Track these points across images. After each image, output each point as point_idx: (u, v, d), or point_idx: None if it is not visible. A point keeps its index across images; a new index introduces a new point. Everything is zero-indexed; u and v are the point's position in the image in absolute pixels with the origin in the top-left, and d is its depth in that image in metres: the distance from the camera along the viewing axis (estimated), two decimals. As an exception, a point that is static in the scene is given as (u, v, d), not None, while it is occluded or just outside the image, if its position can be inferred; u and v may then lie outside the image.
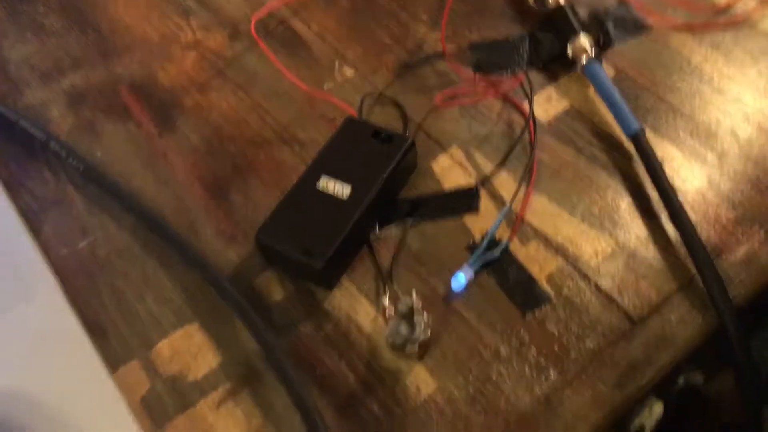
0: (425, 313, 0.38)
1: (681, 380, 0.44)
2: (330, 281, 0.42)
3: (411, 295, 0.38)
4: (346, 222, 0.41)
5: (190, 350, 0.41)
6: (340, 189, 0.42)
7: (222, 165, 0.49)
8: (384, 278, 0.41)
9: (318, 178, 0.43)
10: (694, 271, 0.40)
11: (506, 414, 0.36)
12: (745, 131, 0.47)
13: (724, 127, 0.47)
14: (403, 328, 0.37)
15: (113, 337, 0.42)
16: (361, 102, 0.50)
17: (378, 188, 0.42)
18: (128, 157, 0.50)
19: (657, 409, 0.46)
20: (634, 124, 0.44)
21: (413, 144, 0.45)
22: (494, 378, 0.38)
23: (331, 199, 0.42)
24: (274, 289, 0.42)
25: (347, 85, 0.53)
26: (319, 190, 0.43)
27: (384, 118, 0.50)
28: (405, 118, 0.50)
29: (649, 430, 0.49)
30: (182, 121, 0.52)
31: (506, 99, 0.50)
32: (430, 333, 0.38)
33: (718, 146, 0.46)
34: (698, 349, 0.39)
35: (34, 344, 0.43)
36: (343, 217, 0.41)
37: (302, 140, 0.50)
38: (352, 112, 0.50)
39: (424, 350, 0.38)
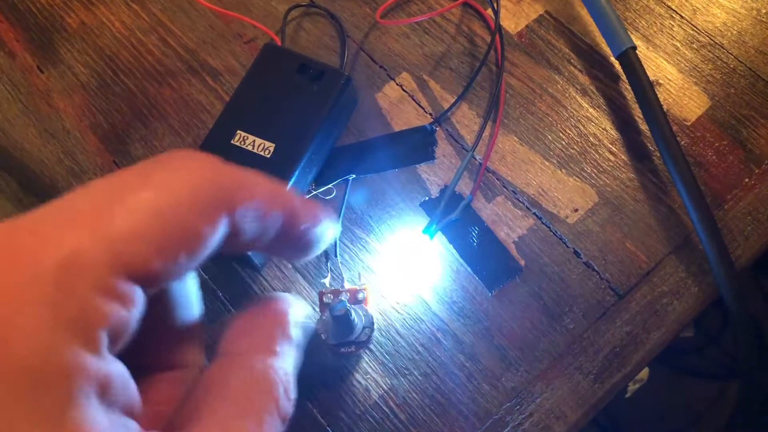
0: (365, 311, 0.31)
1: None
2: (257, 262, 0.34)
3: (346, 292, 0.31)
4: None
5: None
6: (261, 144, 0.34)
7: (119, 107, 0.40)
8: (325, 253, 0.34)
9: (233, 132, 0.34)
10: (690, 227, 0.34)
11: (469, 416, 0.31)
12: (759, 39, 0.38)
13: (732, 35, 0.38)
14: (337, 331, 0.30)
15: None
16: (286, 15, 0.40)
17: (309, 141, 0.34)
18: (3, 100, 0.40)
19: (641, 374, 0.42)
20: (624, 42, 0.36)
21: (350, 79, 0.36)
22: (456, 372, 0.32)
23: (251, 157, 0.34)
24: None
25: (269, -9, 0.42)
26: (235, 147, 0.34)
27: (316, 35, 0.41)
28: (342, 36, 0.40)
29: (630, 393, 0.46)
30: (66, 48, 0.42)
31: (466, 3, 0.40)
32: (372, 333, 0.31)
33: (725, 62, 0.38)
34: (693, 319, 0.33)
35: None
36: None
37: (215, 69, 0.40)
38: (273, 32, 0.40)
39: (363, 348, 0.32)
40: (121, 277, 0.15)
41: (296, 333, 0.21)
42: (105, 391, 0.15)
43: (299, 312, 0.22)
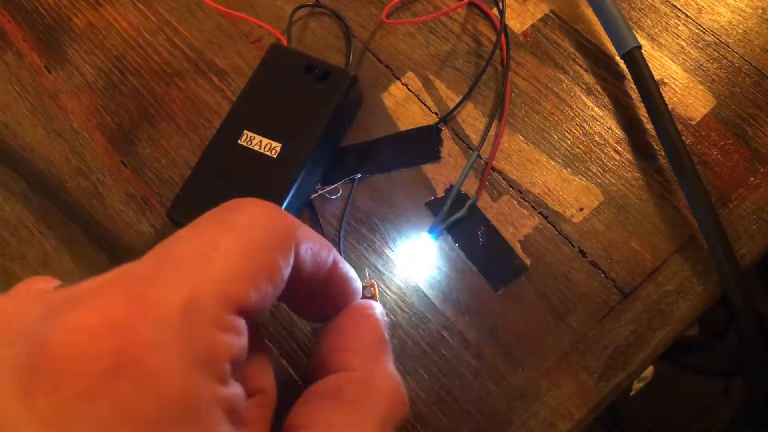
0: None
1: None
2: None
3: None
4: (278, 189, 0.33)
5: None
6: (268, 144, 0.34)
7: (126, 107, 0.40)
8: (329, 251, 0.35)
9: (240, 132, 0.35)
10: (695, 226, 0.34)
11: (475, 414, 0.31)
12: (765, 38, 0.38)
13: (738, 33, 0.38)
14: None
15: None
16: (292, 15, 0.41)
17: (315, 141, 0.34)
18: (11, 100, 0.41)
19: (646, 372, 0.42)
20: (629, 41, 0.36)
21: (356, 79, 0.36)
22: (461, 371, 0.32)
23: (258, 157, 0.34)
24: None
25: (275, -9, 0.43)
26: (242, 147, 0.34)
27: (322, 35, 0.41)
28: (348, 36, 0.40)
29: (635, 391, 0.46)
30: (74, 49, 0.42)
31: (472, 3, 0.41)
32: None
33: (730, 61, 0.38)
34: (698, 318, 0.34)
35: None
36: (274, 182, 0.33)
37: (222, 69, 0.40)
38: (279, 32, 0.40)
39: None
40: (231, 312, 0.17)
41: (387, 335, 0.23)
42: (232, 412, 0.17)
43: (381, 312, 0.24)
